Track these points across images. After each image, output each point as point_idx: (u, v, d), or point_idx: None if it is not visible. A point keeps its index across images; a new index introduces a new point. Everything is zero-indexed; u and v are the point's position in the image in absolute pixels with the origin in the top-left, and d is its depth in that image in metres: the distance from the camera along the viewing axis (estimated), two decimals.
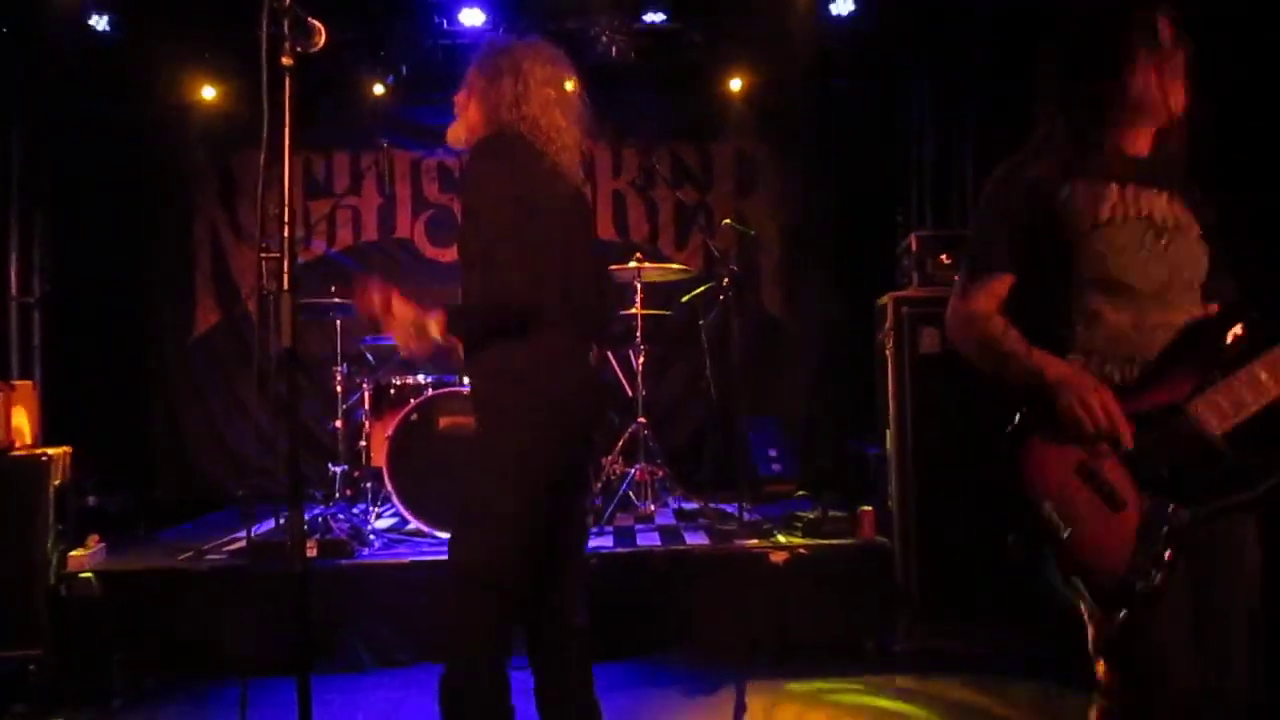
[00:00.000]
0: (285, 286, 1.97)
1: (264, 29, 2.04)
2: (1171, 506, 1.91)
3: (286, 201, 2.00)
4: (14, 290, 6.14)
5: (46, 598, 4.18)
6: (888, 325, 4.37)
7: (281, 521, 5.08)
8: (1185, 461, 1.92)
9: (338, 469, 5.04)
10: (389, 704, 3.75)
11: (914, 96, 6.12)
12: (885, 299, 4.42)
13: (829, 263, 6.54)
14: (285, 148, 2.01)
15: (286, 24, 2.07)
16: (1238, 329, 1.98)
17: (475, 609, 2.37)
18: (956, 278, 2.18)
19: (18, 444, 4.39)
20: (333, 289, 5.12)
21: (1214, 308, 2.06)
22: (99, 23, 5.70)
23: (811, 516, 4.66)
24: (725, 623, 4.19)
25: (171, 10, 5.77)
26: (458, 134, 2.66)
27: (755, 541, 4.45)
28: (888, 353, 4.37)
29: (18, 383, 4.57)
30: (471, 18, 5.75)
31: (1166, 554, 1.87)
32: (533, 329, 2.41)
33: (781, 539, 4.50)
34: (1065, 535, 1.91)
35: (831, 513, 4.65)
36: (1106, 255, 2.01)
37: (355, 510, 4.96)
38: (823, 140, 6.59)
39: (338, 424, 5.11)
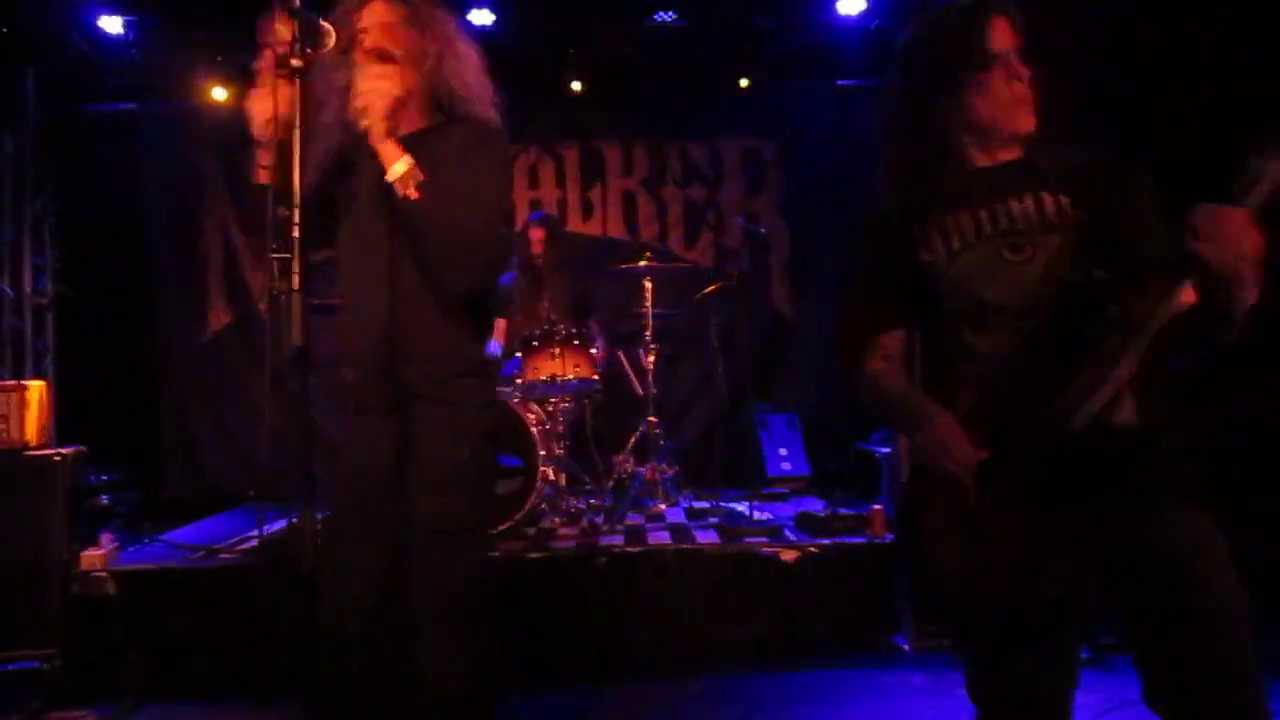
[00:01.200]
0: (296, 286, 1.97)
1: (274, 32, 2.04)
2: (1060, 515, 1.80)
3: (297, 201, 2.00)
4: (27, 291, 6.18)
5: (59, 597, 4.21)
6: None
7: (293, 521, 5.09)
8: (1062, 461, 1.80)
9: None
10: None
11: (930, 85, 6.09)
12: None
13: (838, 261, 6.53)
14: (295, 148, 2.01)
15: (297, 26, 2.07)
16: (1114, 307, 1.77)
17: (477, 632, 2.36)
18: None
19: (31, 444, 4.41)
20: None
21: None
22: (109, 24, 5.71)
23: (822, 515, 4.66)
24: (736, 620, 4.19)
25: (182, 11, 5.78)
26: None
27: (766, 540, 4.44)
28: None
29: (31, 383, 4.58)
30: (480, 18, 5.75)
31: (1061, 565, 1.78)
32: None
33: (792, 537, 4.50)
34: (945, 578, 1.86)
35: (842, 511, 4.65)
36: (961, 284, 1.92)
37: None
38: (832, 138, 6.57)
39: None
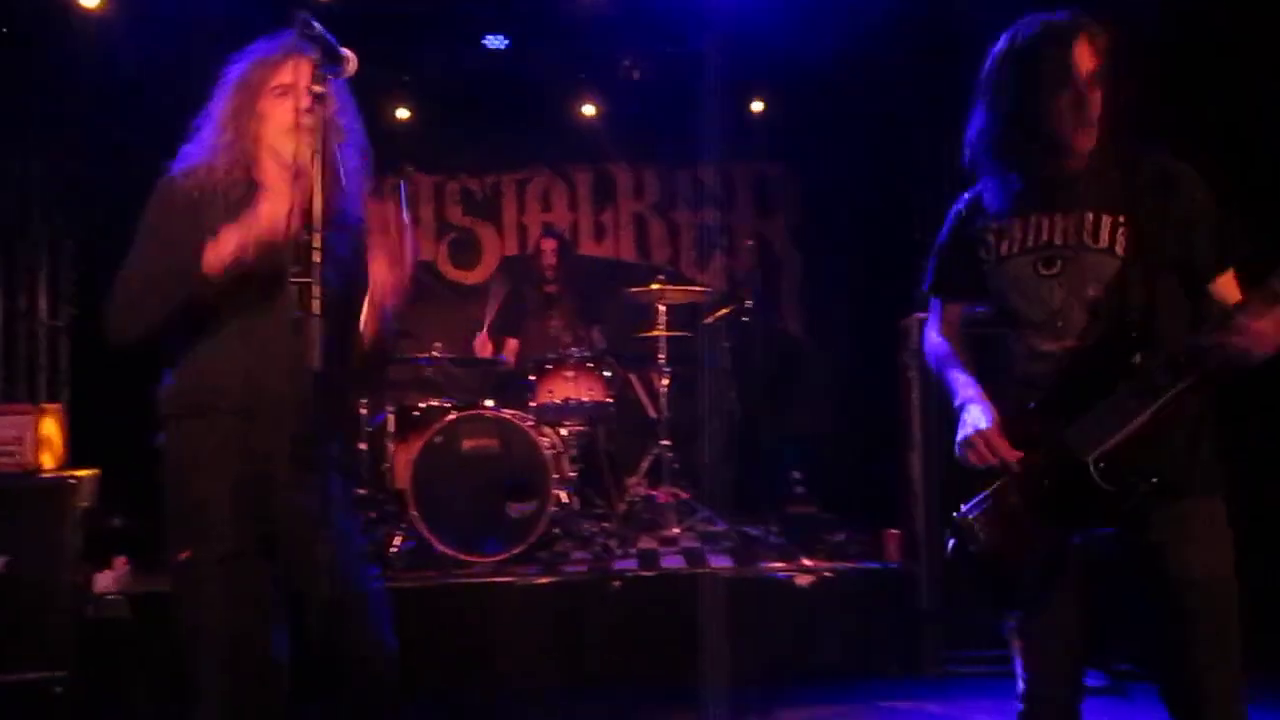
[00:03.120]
0: (316, 311, 1.98)
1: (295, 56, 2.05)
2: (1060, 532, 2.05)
3: (317, 227, 2.01)
4: (43, 315, 6.21)
5: (72, 619, 4.21)
6: (912, 346, 4.35)
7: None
8: (1065, 487, 2.00)
9: (361, 492, 5.05)
10: None
11: (930, 116, 6.10)
12: (909, 320, 4.40)
13: (849, 283, 6.53)
14: (315, 174, 2.02)
15: (318, 52, 2.09)
16: (1137, 356, 1.95)
17: None
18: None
19: (46, 466, 4.42)
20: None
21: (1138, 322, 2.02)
22: (127, 53, 5.75)
23: (836, 539, 4.64)
24: (751, 645, 4.16)
25: (198, 39, 5.82)
26: None
27: (780, 564, 4.42)
28: (911, 375, 4.35)
29: (46, 406, 4.60)
30: (495, 43, 5.79)
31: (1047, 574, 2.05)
32: None
33: (807, 562, 4.47)
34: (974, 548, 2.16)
35: (856, 536, 4.63)
36: (1003, 290, 2.13)
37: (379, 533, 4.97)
38: (841, 159, 6.58)
39: (362, 446, 5.12)
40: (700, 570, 4.39)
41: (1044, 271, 2.06)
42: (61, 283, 6.35)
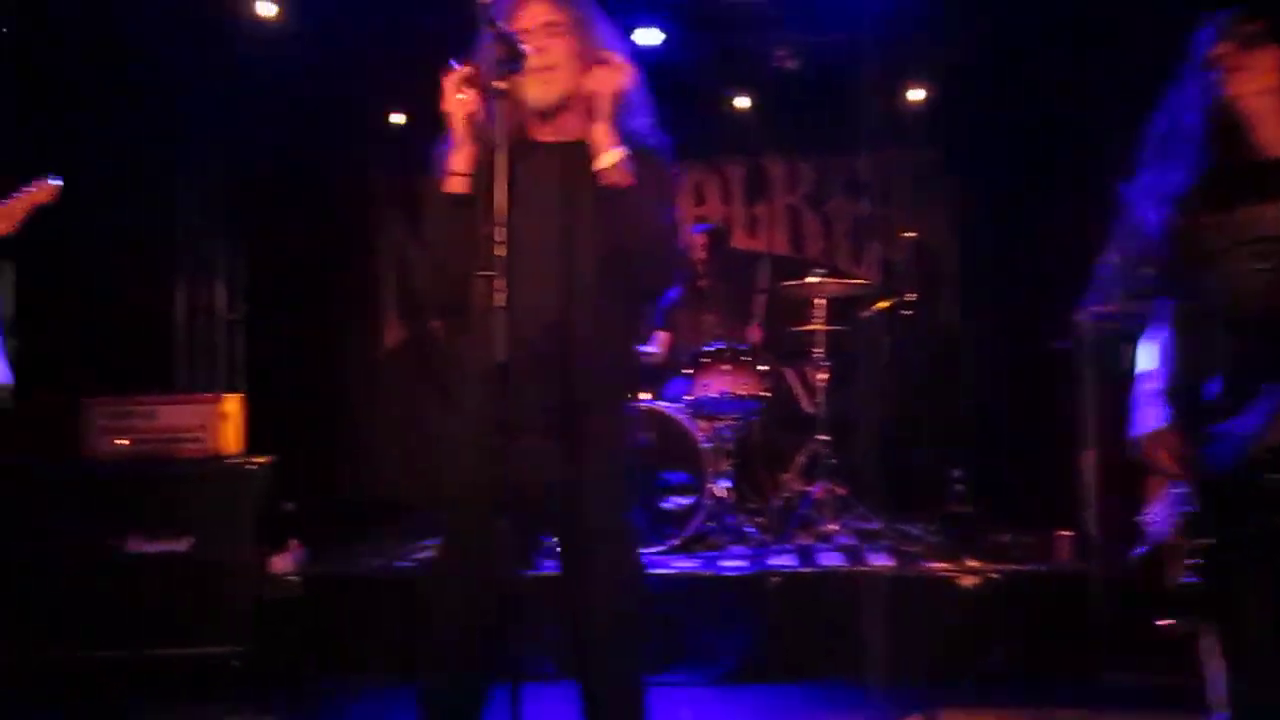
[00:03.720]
0: (501, 304, 2.01)
1: (483, 54, 2.09)
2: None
3: (501, 221, 2.04)
4: (221, 310, 6.56)
5: (250, 598, 4.43)
6: (1088, 341, 4.17)
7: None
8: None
9: None
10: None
11: (1098, 103, 5.83)
12: (1085, 314, 4.22)
13: (1011, 275, 6.30)
14: (500, 168, 2.05)
15: (500, 48, 2.12)
16: None
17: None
18: None
19: (227, 453, 4.66)
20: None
21: None
22: (295, 56, 5.99)
23: (1002, 539, 4.48)
24: (911, 647, 4.07)
25: (361, 41, 6.03)
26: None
27: (943, 564, 4.30)
28: (1086, 370, 4.17)
29: (227, 395, 4.84)
30: (648, 37, 5.80)
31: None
32: None
33: (971, 562, 4.34)
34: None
35: (1023, 536, 4.47)
36: (1210, 285, 2.06)
37: None
38: (1003, 147, 6.35)
39: None
40: (860, 568, 4.32)
41: (1258, 266, 1.98)
42: (237, 279, 6.69)
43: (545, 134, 2.36)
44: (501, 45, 2.12)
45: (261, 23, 5.51)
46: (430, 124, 6.42)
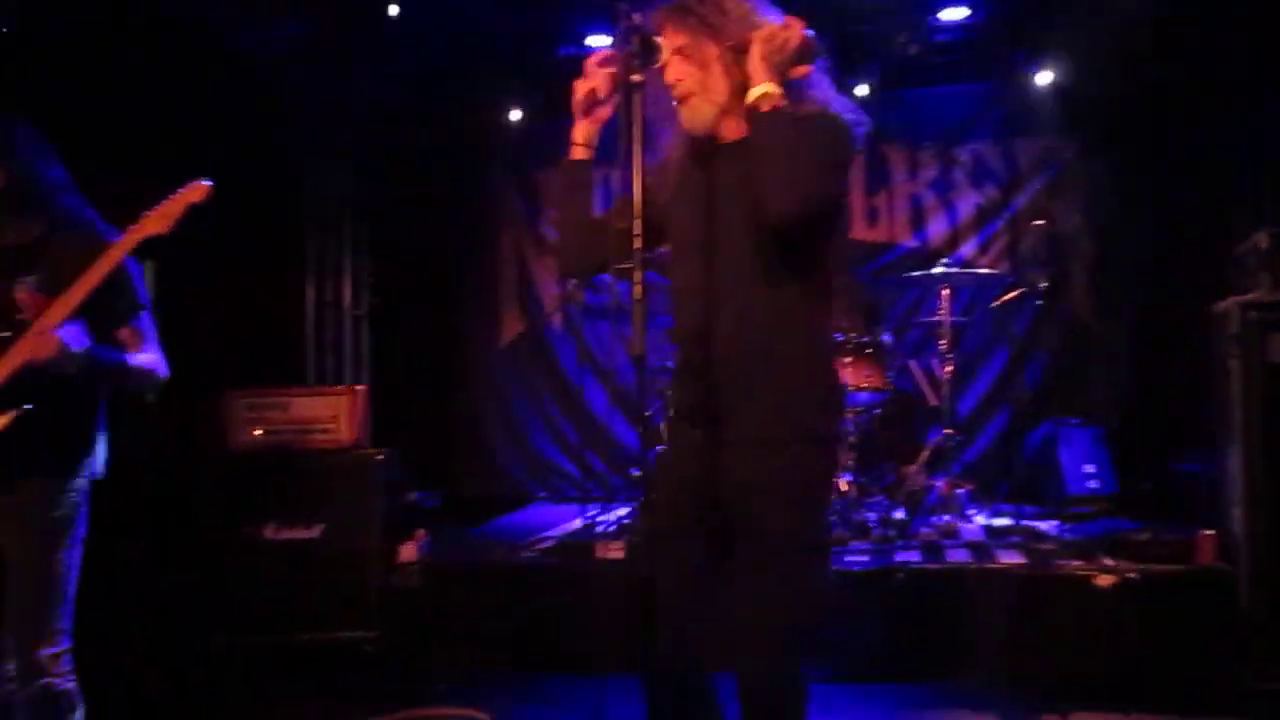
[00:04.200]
0: (639, 296, 2.01)
1: (622, 47, 2.09)
2: None
3: (638, 214, 2.04)
4: (347, 304, 6.75)
5: (378, 585, 4.55)
6: (1232, 332, 3.97)
7: (582, 523, 5.30)
8: None
9: (640, 474, 5.15)
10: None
11: (1240, 90, 5.55)
12: (1228, 303, 4.02)
13: (1147, 264, 6.05)
14: (637, 163, 2.06)
15: (635, 42, 2.12)
16: None
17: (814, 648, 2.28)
18: None
19: (355, 443, 4.79)
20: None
21: None
22: (422, 58, 6.11)
23: (1140, 538, 4.31)
24: (1044, 647, 3.96)
25: (480, 40, 6.12)
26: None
27: (1077, 563, 4.16)
28: (1232, 362, 3.98)
29: (355, 387, 4.98)
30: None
31: None
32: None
33: (1107, 560, 4.18)
34: None
35: (1161, 535, 4.29)
36: None
37: None
38: (1137, 135, 6.10)
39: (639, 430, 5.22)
40: (989, 565, 4.20)
41: None
42: (362, 274, 6.88)
43: (721, 137, 2.32)
44: (636, 39, 2.13)
45: (383, 24, 5.63)
46: (547, 121, 6.52)
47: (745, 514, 2.21)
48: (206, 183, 2.47)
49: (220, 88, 5.40)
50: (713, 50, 2.24)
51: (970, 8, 5.78)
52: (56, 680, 2.55)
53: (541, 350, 7.08)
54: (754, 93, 2.15)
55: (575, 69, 2.33)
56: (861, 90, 6.06)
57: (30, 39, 4.35)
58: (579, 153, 2.38)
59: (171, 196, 2.47)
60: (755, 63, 2.17)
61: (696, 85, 2.24)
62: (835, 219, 2.27)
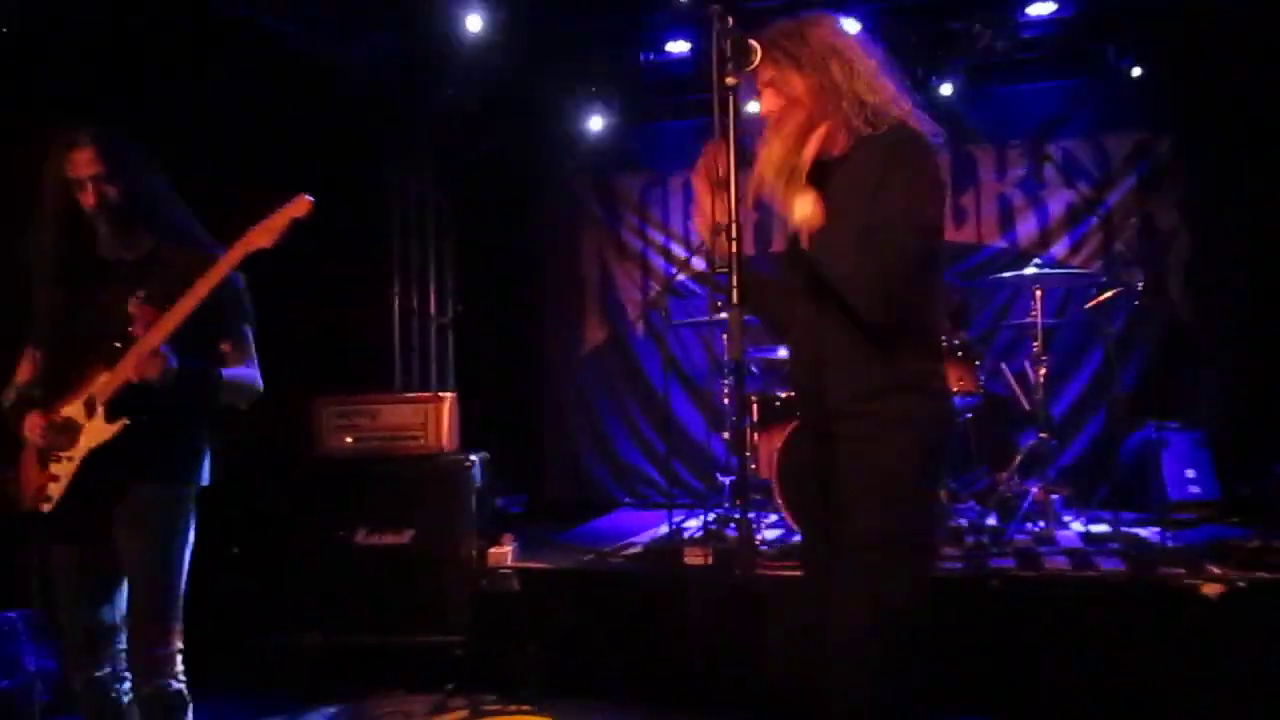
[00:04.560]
0: (736, 301, 2.00)
1: (715, 51, 2.08)
2: None
3: (734, 217, 2.03)
4: (433, 312, 6.85)
5: (468, 589, 4.59)
6: None
7: (665, 530, 5.30)
8: None
9: (726, 480, 5.13)
10: None
11: None
12: None
13: (1248, 263, 5.85)
14: (731, 165, 2.04)
15: (729, 45, 2.11)
16: None
17: (909, 653, 2.19)
18: None
19: (445, 449, 4.84)
20: (719, 304, 5.25)
21: None
22: (501, 68, 6.16)
23: (1249, 544, 4.15)
24: (1148, 657, 3.83)
25: (557, 49, 6.16)
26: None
27: (1181, 571, 4.02)
28: None
29: (443, 394, 5.03)
30: (849, 26, 5.67)
31: None
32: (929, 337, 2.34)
33: (1214, 569, 4.04)
34: None
35: (1274, 542, 4.13)
36: None
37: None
38: (1233, 128, 5.89)
39: (725, 436, 5.21)
40: (1089, 573, 4.09)
41: None
42: (446, 283, 6.98)
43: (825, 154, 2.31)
44: (729, 42, 2.11)
45: (466, 36, 5.70)
46: (627, 126, 6.52)
47: (840, 512, 2.23)
48: (308, 198, 2.51)
49: (308, 98, 5.51)
50: (798, 82, 2.27)
51: (1058, 2, 5.65)
52: (169, 681, 2.62)
53: (625, 356, 7.10)
54: (798, 212, 2.17)
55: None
56: (946, 89, 5.96)
57: (125, 51, 4.49)
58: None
59: (275, 211, 2.51)
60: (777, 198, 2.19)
61: (792, 122, 2.25)
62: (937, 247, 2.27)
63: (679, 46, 5.90)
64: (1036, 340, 4.87)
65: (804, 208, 2.16)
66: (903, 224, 2.14)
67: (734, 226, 2.03)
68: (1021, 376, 5.12)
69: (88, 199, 2.64)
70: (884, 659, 2.17)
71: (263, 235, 2.52)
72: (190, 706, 2.67)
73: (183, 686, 2.65)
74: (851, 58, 2.30)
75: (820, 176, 2.24)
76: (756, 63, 2.20)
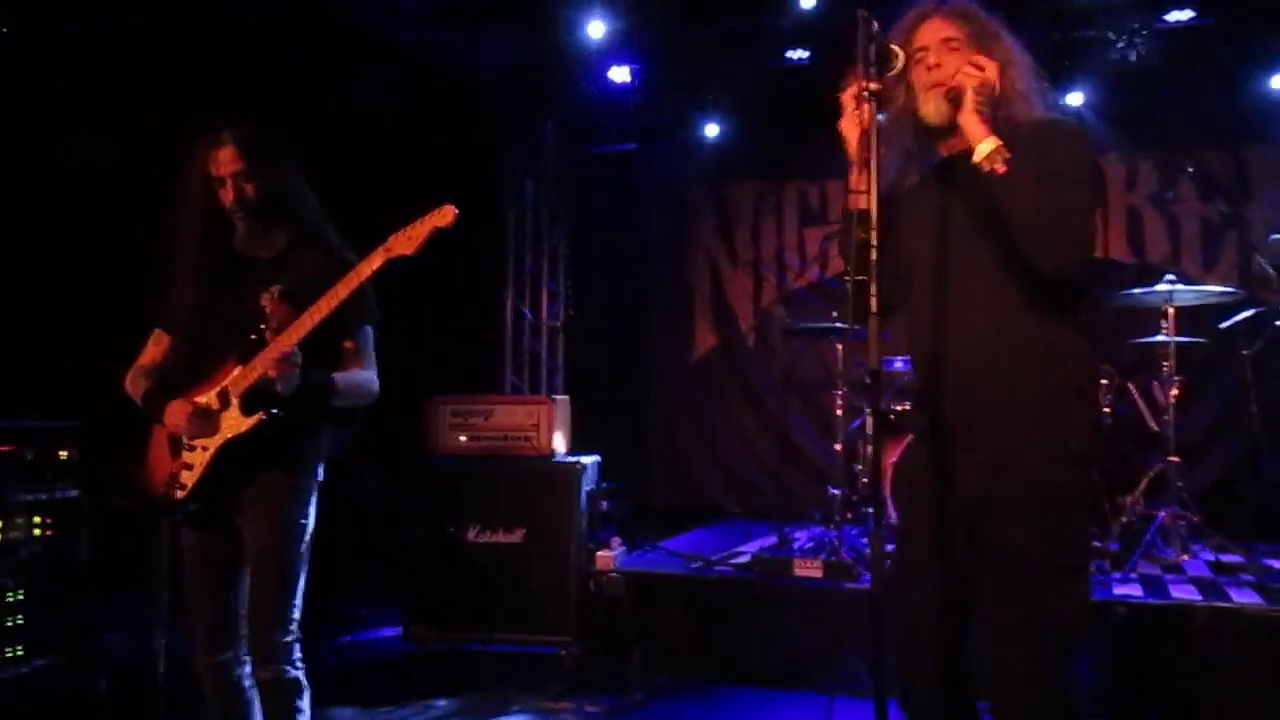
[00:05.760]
0: (875, 310, 1.97)
1: (859, 56, 2.06)
2: None
3: (874, 224, 2.00)
4: (544, 315, 6.93)
5: (578, 592, 4.61)
6: None
7: (774, 540, 5.26)
8: None
9: (837, 492, 5.05)
10: None
11: None
12: None
13: None
14: (874, 172, 2.01)
15: (872, 50, 2.08)
16: None
17: (1076, 673, 2.13)
18: None
19: (556, 452, 4.88)
20: (833, 314, 5.20)
21: None
22: (618, 74, 6.20)
23: None
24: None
25: (672, 55, 6.16)
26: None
27: None
28: None
29: (555, 397, 5.08)
30: None
31: None
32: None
33: None
34: None
35: None
36: None
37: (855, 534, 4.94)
38: None
39: (838, 447, 5.14)
40: (1220, 604, 3.91)
41: None
42: (559, 287, 7.05)
43: (952, 147, 2.29)
44: (874, 47, 2.09)
45: (588, 42, 5.76)
46: (740, 133, 6.47)
47: (988, 535, 2.16)
48: (453, 208, 2.52)
49: (428, 105, 5.64)
50: (970, 55, 2.23)
51: (1194, 10, 5.44)
52: (286, 667, 2.65)
53: (736, 364, 7.07)
54: (979, 152, 2.12)
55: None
56: (1075, 98, 5.79)
57: (264, 61, 4.66)
58: (860, 201, 2.15)
59: (419, 219, 2.53)
60: (969, 116, 2.16)
61: (946, 78, 2.22)
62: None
63: (798, 54, 5.86)
64: (1168, 360, 4.68)
65: (991, 142, 2.12)
66: (1078, 183, 2.14)
67: (873, 234, 2.00)
68: (1149, 397, 4.92)
69: (227, 196, 2.69)
70: (1061, 684, 2.12)
71: (405, 243, 2.54)
72: (307, 692, 2.70)
73: (300, 673, 2.68)
74: (1013, 48, 2.30)
75: (944, 181, 2.24)
76: (899, 68, 2.16)
